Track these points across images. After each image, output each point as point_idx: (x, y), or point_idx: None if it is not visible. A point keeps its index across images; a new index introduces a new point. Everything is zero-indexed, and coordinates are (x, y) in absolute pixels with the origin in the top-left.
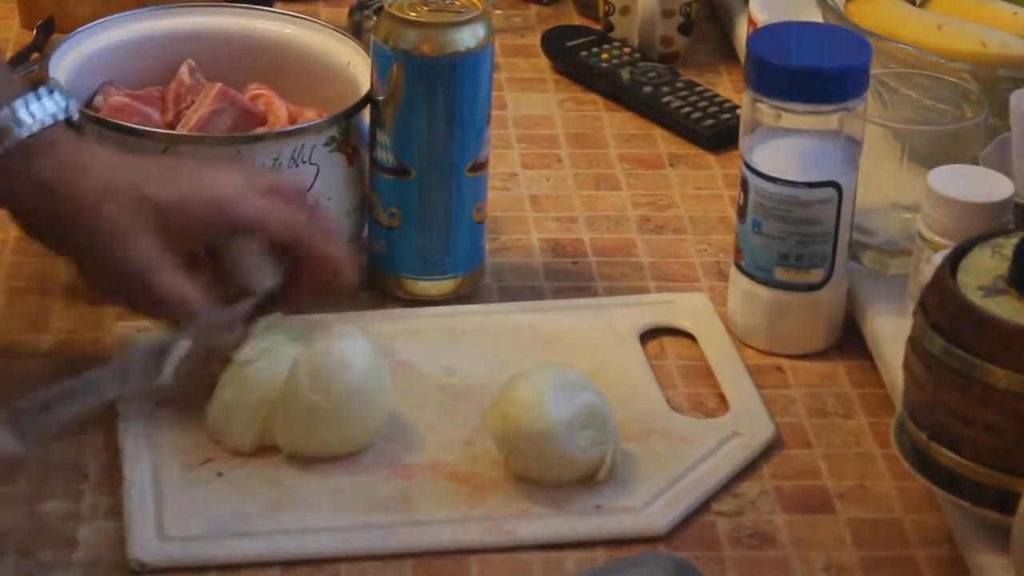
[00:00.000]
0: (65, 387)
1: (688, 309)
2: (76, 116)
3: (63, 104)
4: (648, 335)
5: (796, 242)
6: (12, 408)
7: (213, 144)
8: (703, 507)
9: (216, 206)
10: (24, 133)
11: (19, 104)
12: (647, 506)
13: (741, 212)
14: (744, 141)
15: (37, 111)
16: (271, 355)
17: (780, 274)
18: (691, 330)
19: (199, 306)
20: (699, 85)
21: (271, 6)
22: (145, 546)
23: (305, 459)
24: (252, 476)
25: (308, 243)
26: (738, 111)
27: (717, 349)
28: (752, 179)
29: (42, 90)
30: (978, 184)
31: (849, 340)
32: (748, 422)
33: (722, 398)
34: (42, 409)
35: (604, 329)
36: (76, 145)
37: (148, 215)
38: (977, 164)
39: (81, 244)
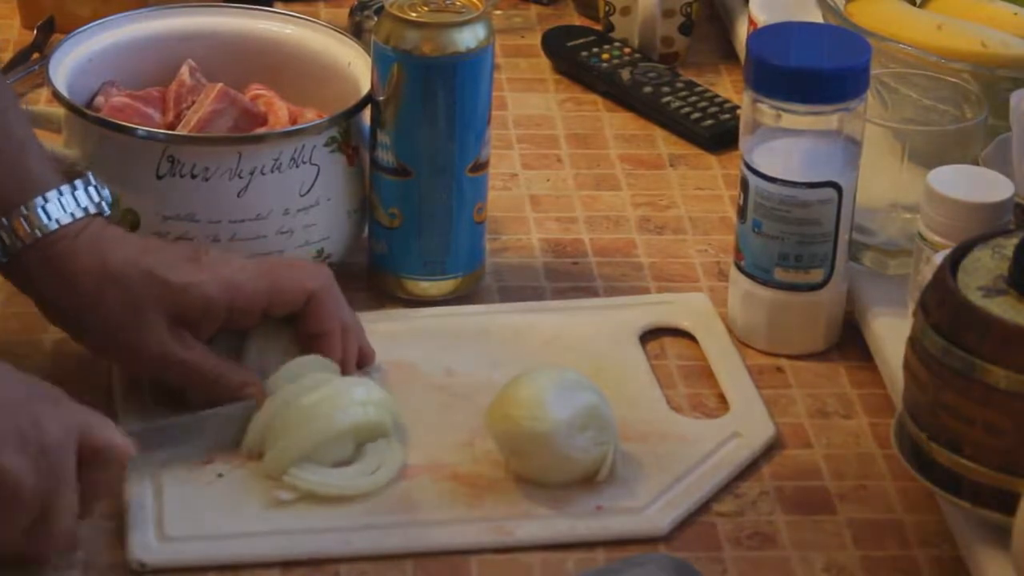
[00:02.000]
0: (187, 420)
1: (688, 309)
2: (108, 212)
3: (96, 199)
4: (648, 335)
5: (796, 242)
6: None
7: (213, 144)
8: (703, 507)
9: (229, 290)
10: (38, 234)
11: (38, 203)
12: (648, 507)
13: (741, 212)
14: (744, 141)
15: (56, 210)
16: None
17: (780, 274)
18: (691, 330)
19: (226, 371)
20: (699, 85)
21: (271, 6)
22: (145, 546)
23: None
24: (252, 477)
25: (322, 304)
26: (738, 111)
27: (717, 349)
28: (752, 179)
29: (78, 183)
30: (978, 184)
31: (849, 340)
32: (748, 422)
33: (722, 398)
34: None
35: (604, 330)
36: (102, 231)
37: (159, 295)
38: (977, 164)
39: (92, 324)
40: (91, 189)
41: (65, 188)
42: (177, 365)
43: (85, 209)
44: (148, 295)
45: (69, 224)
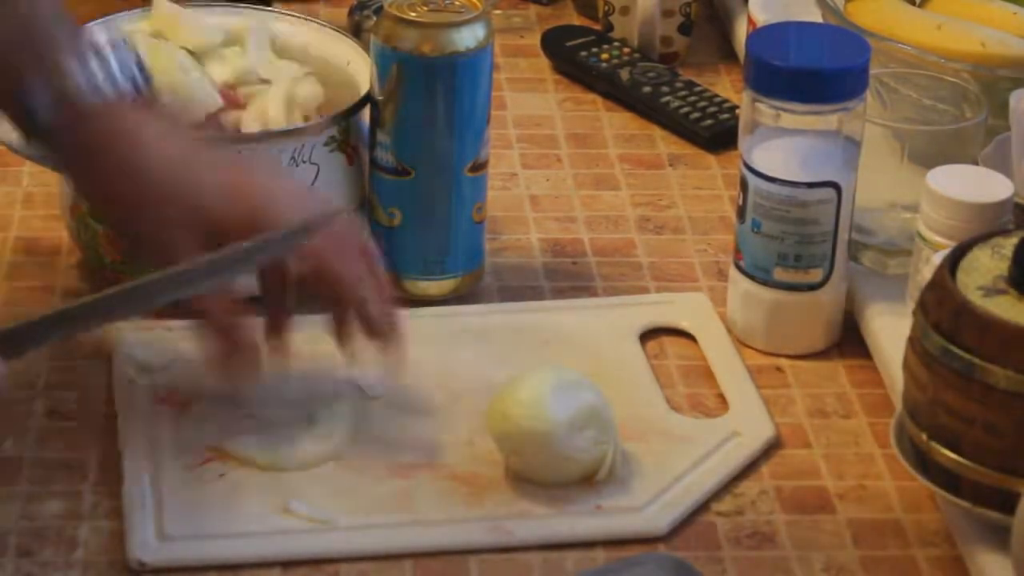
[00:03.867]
0: (64, 310)
1: (688, 309)
2: (143, 84)
3: (128, 64)
4: (648, 335)
5: (795, 242)
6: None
7: (213, 144)
8: (703, 507)
9: (260, 215)
10: (82, 98)
11: (74, 65)
12: (647, 506)
13: (740, 212)
14: (743, 141)
15: (95, 71)
16: None
17: (780, 274)
18: (691, 330)
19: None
20: (698, 85)
21: (271, 6)
22: (145, 546)
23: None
24: (253, 477)
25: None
26: (737, 111)
27: (717, 349)
28: (751, 179)
29: (105, 51)
30: (978, 184)
31: (849, 340)
32: (748, 422)
33: (722, 398)
34: (34, 331)
35: (604, 329)
36: (134, 114)
37: (199, 226)
38: (977, 164)
39: (131, 235)
40: (121, 51)
41: (102, 54)
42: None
43: (121, 75)
44: (182, 215)
45: (109, 93)
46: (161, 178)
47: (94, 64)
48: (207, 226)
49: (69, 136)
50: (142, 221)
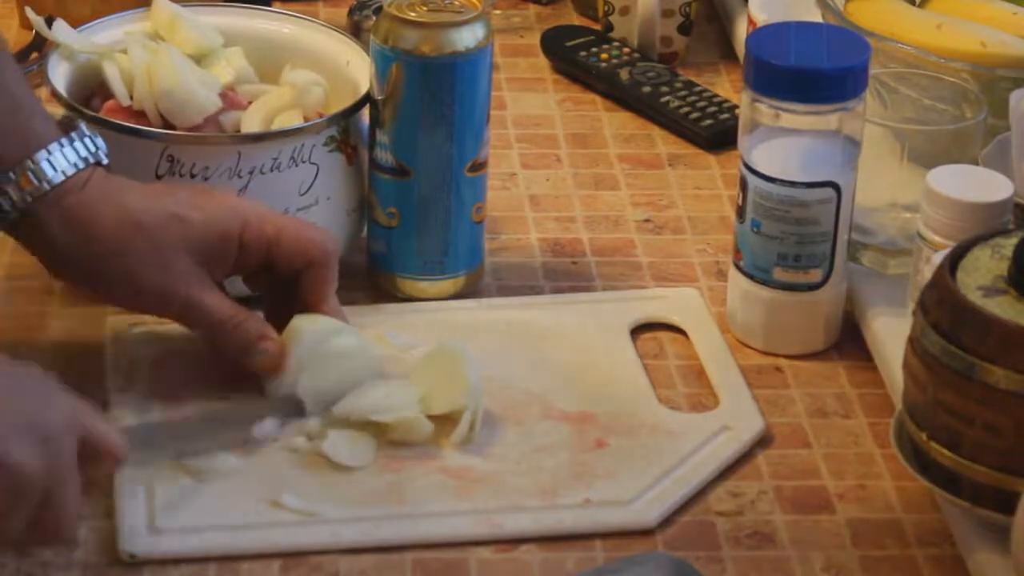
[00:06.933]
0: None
1: (679, 304)
2: (106, 161)
3: (92, 149)
4: (640, 330)
5: (795, 242)
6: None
7: (213, 144)
8: (702, 507)
9: (243, 221)
10: (46, 186)
11: (42, 156)
12: (635, 500)
13: (740, 212)
14: (743, 141)
15: (60, 161)
16: None
17: (779, 274)
18: (681, 325)
19: (246, 319)
20: (698, 85)
21: (270, 5)
22: (135, 538)
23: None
24: (243, 470)
25: (324, 263)
26: (737, 111)
27: (707, 344)
28: (751, 179)
29: (73, 135)
30: (978, 184)
31: (849, 340)
32: (738, 416)
33: (712, 393)
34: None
35: (595, 324)
36: (107, 180)
37: (182, 235)
38: (977, 164)
39: (117, 271)
40: (86, 140)
41: (64, 140)
42: (199, 308)
43: (85, 159)
44: (172, 236)
45: (74, 175)
46: (142, 206)
47: (65, 146)
48: (194, 240)
49: (52, 212)
50: (133, 252)
